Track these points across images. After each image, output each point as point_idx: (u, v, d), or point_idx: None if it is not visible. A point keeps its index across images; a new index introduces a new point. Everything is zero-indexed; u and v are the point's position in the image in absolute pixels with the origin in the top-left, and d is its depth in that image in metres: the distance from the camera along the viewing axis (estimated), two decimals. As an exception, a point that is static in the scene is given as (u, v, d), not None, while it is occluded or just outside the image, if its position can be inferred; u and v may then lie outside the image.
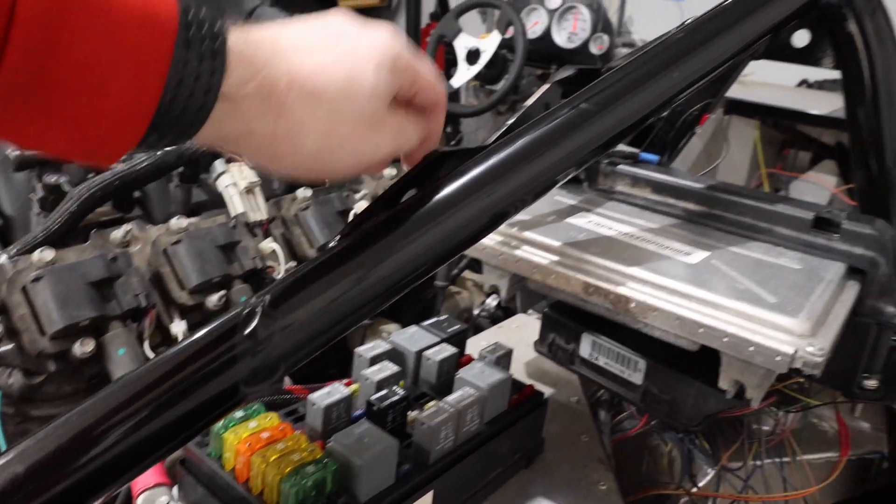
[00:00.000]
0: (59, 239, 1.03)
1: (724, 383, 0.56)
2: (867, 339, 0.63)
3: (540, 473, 0.71)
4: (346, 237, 0.46)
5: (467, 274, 1.44)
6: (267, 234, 1.16)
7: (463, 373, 0.66)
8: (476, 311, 1.29)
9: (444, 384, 0.68)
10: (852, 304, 0.59)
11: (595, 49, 2.21)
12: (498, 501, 0.68)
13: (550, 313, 0.75)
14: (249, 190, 1.13)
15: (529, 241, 0.64)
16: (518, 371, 0.90)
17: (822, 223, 0.64)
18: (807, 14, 0.70)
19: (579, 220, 0.68)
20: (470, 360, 0.72)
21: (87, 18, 0.34)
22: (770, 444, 0.77)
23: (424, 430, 0.58)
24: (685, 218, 0.70)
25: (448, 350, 0.69)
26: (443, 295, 1.33)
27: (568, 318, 0.73)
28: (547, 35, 2.34)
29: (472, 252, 0.65)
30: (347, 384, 0.65)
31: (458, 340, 0.74)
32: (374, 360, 0.66)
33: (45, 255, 0.97)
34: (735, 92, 2.48)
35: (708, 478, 0.77)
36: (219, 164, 1.14)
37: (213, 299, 1.07)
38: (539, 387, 0.85)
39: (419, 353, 0.69)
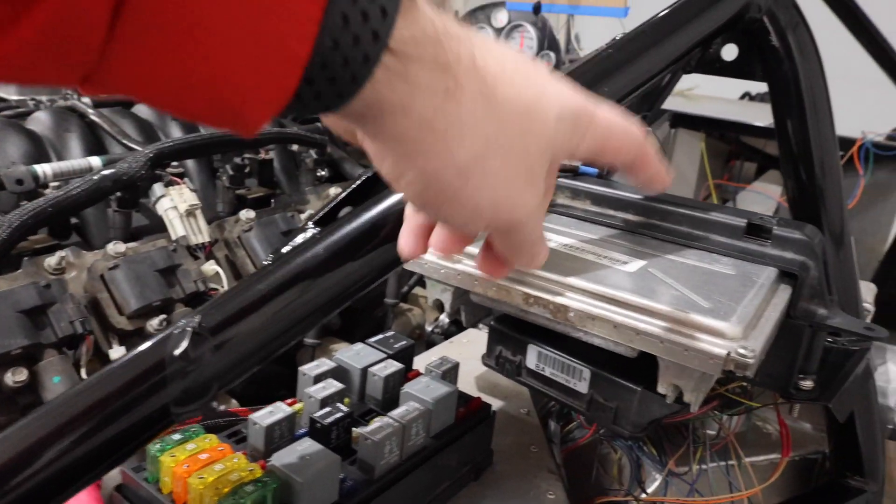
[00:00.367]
0: (-10, 268, 1.01)
1: (662, 388, 0.57)
2: (801, 340, 0.65)
3: (489, 486, 0.71)
4: (279, 256, 0.46)
5: (419, 290, 1.44)
6: (210, 257, 1.15)
7: (408, 387, 0.66)
8: (429, 328, 1.30)
9: (391, 400, 0.68)
10: (784, 306, 0.61)
11: (543, 66, 2.25)
12: (447, 515, 0.68)
13: (496, 326, 0.75)
14: (190, 213, 1.12)
15: (471, 255, 0.64)
16: (468, 385, 0.90)
17: (755, 230, 0.66)
18: (732, 29, 0.72)
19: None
20: (418, 375, 0.72)
21: None
22: (715, 447, 0.78)
23: (368, 445, 0.58)
24: (624, 228, 0.72)
25: (394, 366, 0.69)
26: (393, 312, 1.33)
27: (514, 330, 0.73)
28: (496, 53, 2.37)
29: (413, 267, 0.65)
30: (291, 403, 0.64)
31: (405, 356, 0.74)
32: (319, 378, 0.66)
33: (-26, 285, 0.95)
34: (680, 105, 2.55)
35: (656, 483, 0.78)
36: (158, 188, 1.13)
37: (154, 323, 1.05)
38: (489, 400, 0.86)
39: (365, 370, 0.69)
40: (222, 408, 0.83)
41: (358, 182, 0.51)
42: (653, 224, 0.71)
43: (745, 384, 0.77)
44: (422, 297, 1.43)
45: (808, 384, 0.66)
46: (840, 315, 0.65)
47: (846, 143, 2.03)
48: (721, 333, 0.53)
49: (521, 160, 0.38)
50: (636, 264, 0.63)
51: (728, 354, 0.51)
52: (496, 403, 0.86)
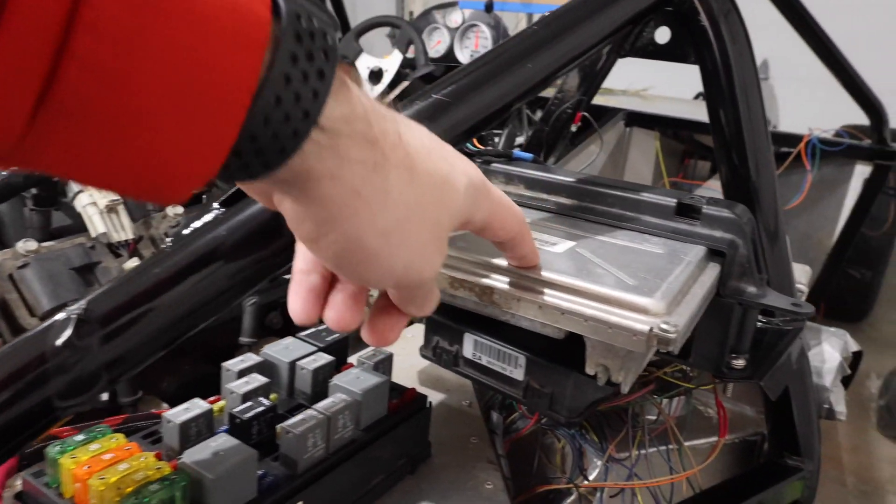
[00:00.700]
0: None
1: (590, 368, 0.56)
2: (732, 319, 0.65)
3: (425, 478, 0.69)
4: (179, 238, 0.44)
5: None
6: (135, 254, 1.11)
7: (337, 379, 0.64)
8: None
9: (321, 394, 0.66)
10: (712, 284, 0.60)
11: (495, 65, 2.24)
12: (380, 509, 0.66)
13: (433, 316, 0.74)
14: (111, 208, 1.08)
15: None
16: (411, 379, 0.88)
17: (685, 209, 0.65)
18: (660, 10, 0.72)
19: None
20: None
21: (168, 24, 0.27)
22: (655, 432, 0.77)
23: (290, 438, 0.56)
24: (557, 212, 0.71)
25: (324, 359, 0.67)
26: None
27: (450, 319, 0.72)
28: (450, 53, 2.36)
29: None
30: (214, 401, 0.62)
31: (338, 349, 0.72)
32: (243, 374, 0.64)
33: None
34: (635, 105, 2.57)
35: (598, 470, 0.77)
36: (74, 184, 1.08)
37: (69, 325, 1.00)
38: (432, 393, 0.84)
39: (293, 364, 0.66)
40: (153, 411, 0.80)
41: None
42: (586, 206, 0.70)
43: (684, 367, 0.77)
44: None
45: (739, 363, 0.66)
46: (770, 293, 0.65)
47: (794, 139, 2.06)
48: (645, 310, 0.52)
49: (435, 226, 0.41)
50: (565, 245, 0.62)
51: (651, 330, 0.50)
52: (438, 396, 0.85)
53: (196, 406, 0.57)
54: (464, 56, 2.32)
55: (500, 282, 0.56)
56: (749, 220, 0.65)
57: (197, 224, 0.45)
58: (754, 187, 0.76)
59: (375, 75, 2.15)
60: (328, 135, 0.33)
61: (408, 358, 0.90)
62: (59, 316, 0.38)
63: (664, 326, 0.50)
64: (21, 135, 0.26)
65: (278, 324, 1.22)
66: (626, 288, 0.54)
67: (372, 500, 0.65)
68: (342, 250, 0.37)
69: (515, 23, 2.76)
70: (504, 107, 0.56)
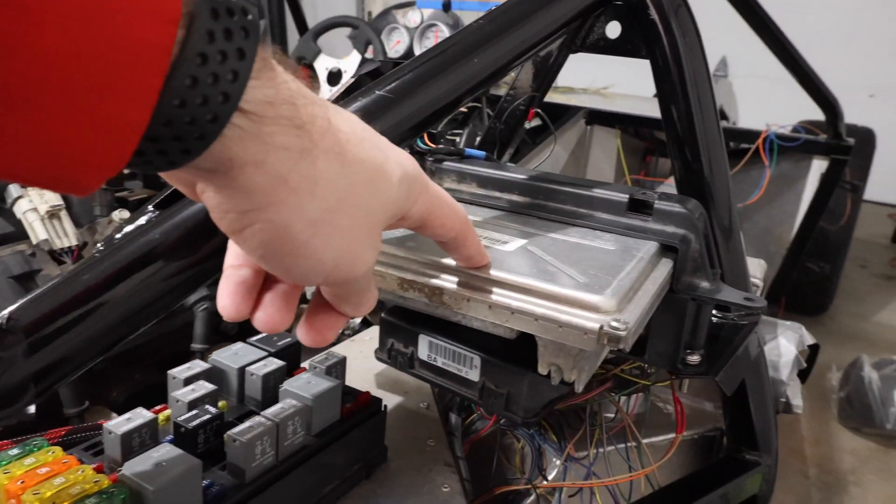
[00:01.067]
0: None
1: (542, 368, 0.55)
2: (685, 314, 0.65)
3: (381, 483, 0.68)
4: (111, 243, 0.43)
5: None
6: (79, 261, 1.09)
7: (288, 384, 0.63)
8: (337, 329, 1.25)
9: (272, 400, 0.64)
10: (664, 279, 0.60)
11: (455, 64, 2.24)
12: (334, 516, 0.64)
13: (387, 318, 0.72)
14: (53, 214, 1.05)
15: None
16: (368, 382, 0.87)
17: (637, 205, 0.65)
18: (610, 4, 0.72)
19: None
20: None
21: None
22: (613, 430, 0.77)
23: (237, 446, 0.54)
24: (510, 209, 0.70)
25: (275, 364, 0.66)
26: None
27: (405, 321, 0.71)
28: (410, 53, 2.34)
29: (286, 256, 0.62)
30: (160, 410, 0.60)
31: (290, 354, 0.70)
32: (189, 381, 0.62)
33: None
34: (596, 103, 2.59)
35: (557, 470, 0.77)
36: (14, 189, 1.05)
37: (9, 336, 0.97)
38: (389, 396, 0.83)
39: (242, 370, 0.65)
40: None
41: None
42: (538, 204, 0.69)
43: (642, 364, 0.77)
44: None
45: (694, 359, 0.65)
46: (723, 288, 0.64)
47: (752, 135, 2.09)
48: (595, 307, 0.51)
49: (367, 218, 0.39)
50: (516, 244, 0.61)
51: (601, 328, 0.50)
52: (396, 399, 0.83)
53: (139, 416, 0.55)
54: (424, 56, 2.31)
55: (449, 282, 0.56)
56: (701, 214, 0.65)
57: (129, 228, 0.44)
58: (707, 182, 0.76)
59: (334, 76, 2.13)
60: (251, 119, 0.32)
61: (364, 361, 0.89)
62: (-21, 326, 0.36)
63: (615, 324, 0.50)
64: None
65: (233, 329, 1.20)
66: (577, 286, 0.53)
67: (326, 507, 0.64)
68: (268, 241, 0.36)
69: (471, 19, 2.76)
70: (451, 103, 0.55)
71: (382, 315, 0.73)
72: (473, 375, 0.67)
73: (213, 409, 0.57)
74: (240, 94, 0.30)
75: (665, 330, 0.65)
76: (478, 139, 1.73)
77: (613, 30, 0.78)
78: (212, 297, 1.11)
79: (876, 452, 2.06)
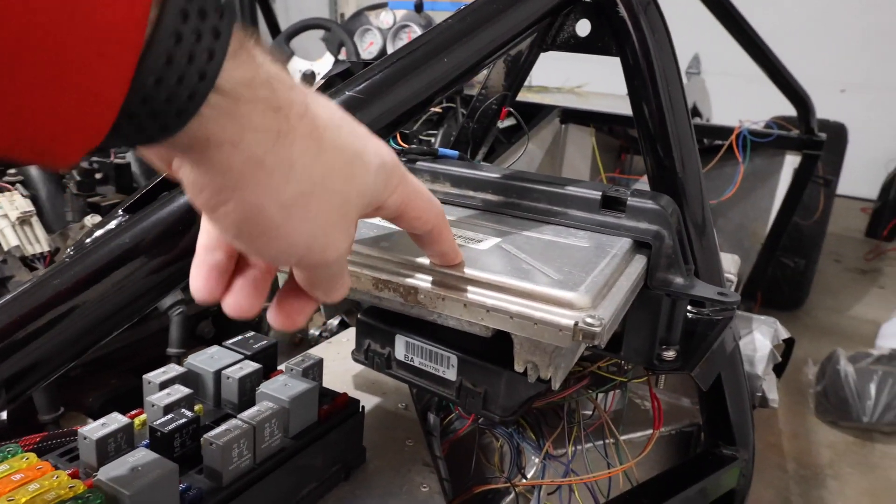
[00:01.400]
0: None
1: (518, 365, 0.55)
2: (660, 310, 0.65)
3: (360, 484, 0.68)
4: (81, 247, 0.42)
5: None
6: (51, 266, 1.07)
7: (264, 387, 0.63)
8: (316, 332, 1.25)
9: (248, 402, 0.63)
10: (638, 276, 0.60)
11: (430, 65, 2.24)
12: (313, 518, 0.64)
13: (364, 318, 0.72)
14: (24, 221, 1.03)
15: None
16: (345, 384, 0.87)
17: (610, 202, 0.66)
18: (579, 2, 0.72)
19: (373, 218, 0.66)
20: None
21: None
22: (591, 427, 0.77)
23: (213, 450, 0.54)
24: (484, 209, 0.70)
25: (251, 367, 0.65)
26: (269, 316, 1.27)
27: (381, 322, 0.71)
28: (383, 54, 2.34)
29: (260, 258, 0.62)
30: (136, 415, 0.60)
31: (267, 356, 0.70)
32: (165, 385, 0.61)
33: None
34: (570, 101, 2.60)
35: (535, 468, 0.77)
36: None
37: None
38: (367, 397, 0.83)
39: (218, 373, 0.64)
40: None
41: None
42: (512, 202, 0.69)
43: (619, 361, 0.77)
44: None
45: (670, 354, 0.66)
46: (697, 284, 0.65)
47: (726, 132, 2.11)
48: (570, 304, 0.51)
49: (342, 205, 0.39)
50: (490, 242, 0.61)
51: (576, 325, 0.50)
52: (374, 400, 0.83)
53: (114, 421, 0.54)
54: (399, 57, 2.31)
55: (424, 281, 0.56)
56: (674, 210, 0.65)
57: (99, 232, 0.43)
58: (680, 178, 0.76)
59: (307, 78, 2.12)
60: (228, 99, 0.32)
61: (342, 363, 0.89)
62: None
63: (589, 320, 0.50)
64: None
65: (210, 333, 1.19)
66: (552, 283, 0.54)
67: (304, 510, 0.63)
68: (241, 220, 0.36)
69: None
70: (422, 102, 0.55)
71: (358, 316, 0.73)
72: (451, 375, 0.67)
73: (189, 413, 0.57)
74: (216, 74, 0.31)
75: (640, 326, 0.65)
76: (452, 139, 1.74)
77: (583, 28, 0.78)
78: (187, 302, 1.11)
79: (853, 446, 2.08)
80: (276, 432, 0.59)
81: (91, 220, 1.16)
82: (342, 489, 0.67)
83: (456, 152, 0.76)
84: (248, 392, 0.64)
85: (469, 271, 0.55)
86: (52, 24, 0.25)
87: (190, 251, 0.43)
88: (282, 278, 0.46)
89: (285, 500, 0.61)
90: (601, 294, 0.54)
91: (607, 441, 0.78)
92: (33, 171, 1.23)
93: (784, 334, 1.02)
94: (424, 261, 0.57)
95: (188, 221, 0.44)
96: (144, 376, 0.63)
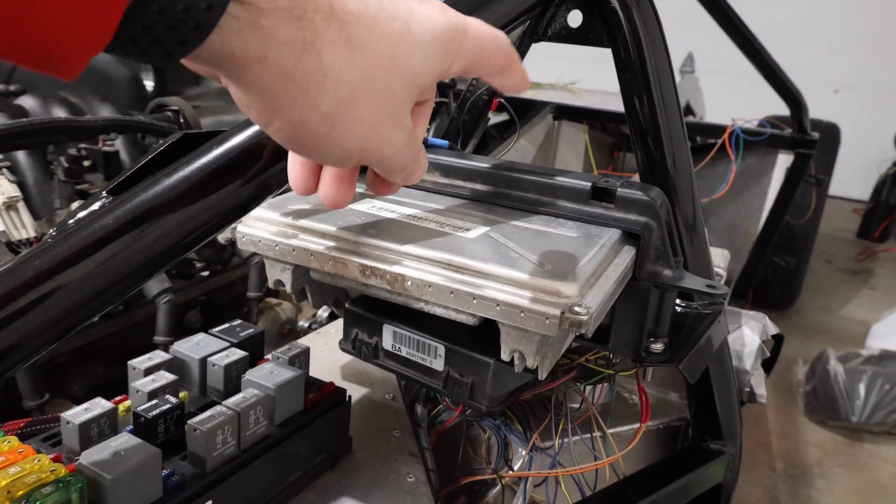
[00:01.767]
0: None
1: (505, 354, 0.55)
2: (649, 302, 0.65)
3: (346, 474, 0.68)
4: (63, 228, 0.42)
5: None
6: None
7: (250, 374, 0.62)
8: (305, 323, 1.25)
9: (234, 390, 0.63)
10: (626, 266, 0.60)
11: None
12: (298, 506, 0.64)
13: (351, 308, 0.72)
14: (10, 206, 1.02)
15: (306, 230, 0.61)
16: (333, 374, 0.86)
17: (599, 193, 0.65)
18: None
19: (362, 206, 0.66)
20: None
21: None
22: (579, 420, 0.77)
23: (197, 436, 0.54)
24: (473, 198, 0.70)
25: (237, 354, 0.65)
26: (257, 307, 1.27)
27: (369, 311, 0.70)
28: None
29: (247, 245, 0.62)
30: (121, 401, 0.59)
31: (253, 344, 0.70)
32: (150, 371, 0.61)
33: None
34: (563, 98, 2.59)
35: (522, 460, 0.77)
36: None
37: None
38: (355, 387, 0.82)
39: (203, 360, 0.64)
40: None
41: (162, 147, 0.46)
42: (502, 192, 0.69)
43: (607, 354, 0.77)
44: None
45: (658, 347, 0.66)
46: (686, 276, 0.65)
47: (719, 130, 2.11)
48: (557, 293, 0.51)
49: (388, 101, 0.38)
50: (478, 231, 0.61)
51: (563, 313, 0.50)
52: (361, 390, 0.83)
53: (97, 406, 0.54)
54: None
55: (411, 269, 0.55)
56: (664, 202, 0.65)
57: (82, 214, 0.43)
58: (670, 171, 0.76)
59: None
60: (247, 9, 0.31)
61: (330, 353, 0.88)
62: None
63: (577, 309, 0.50)
64: None
65: (197, 322, 1.18)
66: (539, 272, 0.54)
67: (290, 497, 0.63)
68: (290, 137, 0.37)
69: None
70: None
71: (346, 305, 0.73)
72: (438, 365, 0.67)
73: (173, 399, 0.56)
74: None
75: (629, 318, 0.65)
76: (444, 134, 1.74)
77: (575, 19, 0.78)
78: (174, 290, 1.10)
79: (841, 445, 2.09)
80: (261, 420, 0.59)
81: (78, 205, 1.15)
82: (328, 478, 0.67)
83: (446, 142, 0.76)
84: (233, 380, 0.64)
85: (457, 259, 0.55)
86: None
87: (171, 235, 0.43)
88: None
89: (270, 487, 0.61)
90: (589, 283, 0.54)
91: (595, 434, 0.78)
92: (21, 156, 1.21)
93: (773, 329, 1.02)
94: (412, 249, 0.57)
95: (171, 204, 0.43)
96: (130, 362, 0.62)
